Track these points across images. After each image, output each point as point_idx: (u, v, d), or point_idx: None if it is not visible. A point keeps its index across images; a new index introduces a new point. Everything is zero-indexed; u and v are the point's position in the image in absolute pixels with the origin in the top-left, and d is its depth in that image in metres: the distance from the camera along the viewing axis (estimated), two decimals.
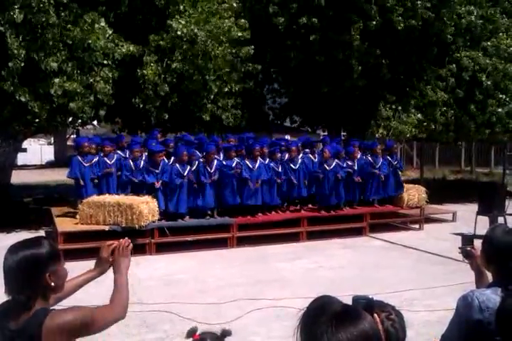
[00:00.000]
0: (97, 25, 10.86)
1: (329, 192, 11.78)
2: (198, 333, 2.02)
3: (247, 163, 11.18)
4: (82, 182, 10.99)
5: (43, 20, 10.05)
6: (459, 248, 3.06)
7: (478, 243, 2.88)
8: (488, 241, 2.65)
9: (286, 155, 11.99)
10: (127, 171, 10.83)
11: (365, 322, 1.30)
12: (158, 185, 10.44)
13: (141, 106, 12.39)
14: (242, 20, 13.13)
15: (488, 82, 15.40)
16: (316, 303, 1.41)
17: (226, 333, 2.06)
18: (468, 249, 3.00)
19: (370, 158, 12.61)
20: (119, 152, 11.41)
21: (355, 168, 12.26)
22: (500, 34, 16.13)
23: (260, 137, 13.13)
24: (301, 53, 14.29)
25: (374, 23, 13.66)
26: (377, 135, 15.12)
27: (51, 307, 2.23)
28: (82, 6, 10.85)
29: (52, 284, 2.21)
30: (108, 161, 11.07)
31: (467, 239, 3.06)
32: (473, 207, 12.01)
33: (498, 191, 12.12)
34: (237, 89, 13.67)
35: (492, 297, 2.44)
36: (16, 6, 9.84)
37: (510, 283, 2.45)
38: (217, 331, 2.06)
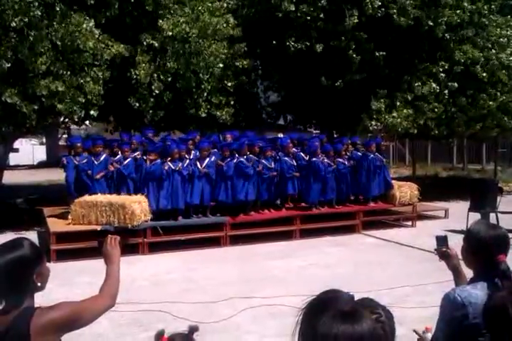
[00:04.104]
0: (85, 26, 10.80)
1: (315, 189, 11.85)
2: (166, 335, 2.03)
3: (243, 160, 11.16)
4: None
5: (27, 22, 9.97)
6: (434, 249, 3.07)
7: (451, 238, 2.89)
8: (474, 237, 2.67)
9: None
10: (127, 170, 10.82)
11: (365, 325, 1.31)
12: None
13: (137, 105, 12.35)
14: (232, 19, 13.10)
15: (484, 74, 15.38)
16: (324, 296, 1.41)
17: (193, 329, 2.07)
18: (444, 249, 3.01)
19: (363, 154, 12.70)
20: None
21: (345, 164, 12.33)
22: (491, 28, 16.17)
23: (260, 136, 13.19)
24: (299, 43, 14.24)
25: (370, 11, 13.66)
26: (371, 128, 15.09)
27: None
28: (71, 7, 10.79)
29: (39, 284, 2.21)
30: (95, 161, 11.00)
31: (441, 240, 3.06)
32: (466, 204, 12.06)
33: (490, 188, 12.15)
34: (229, 85, 13.66)
35: (473, 292, 2.49)
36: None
37: (496, 277, 2.48)
38: (185, 330, 2.07)
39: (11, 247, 2.21)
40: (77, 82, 10.94)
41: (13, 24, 9.84)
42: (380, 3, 13.66)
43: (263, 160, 11.42)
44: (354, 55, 13.88)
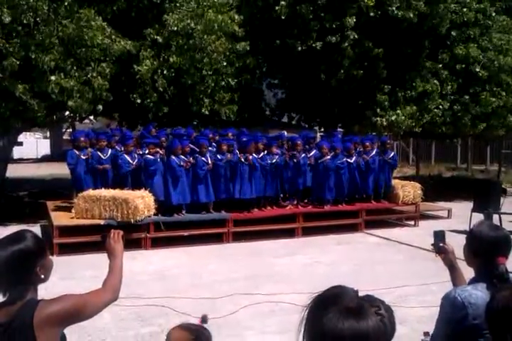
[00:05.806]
0: (93, 23, 10.80)
1: (324, 187, 11.86)
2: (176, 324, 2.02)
3: (241, 157, 11.16)
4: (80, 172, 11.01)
5: (35, 18, 9.98)
6: (431, 244, 3.06)
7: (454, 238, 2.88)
8: (475, 237, 2.66)
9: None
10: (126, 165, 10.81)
11: (370, 321, 1.31)
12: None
13: (139, 101, 12.36)
14: (237, 16, 13.09)
15: (483, 72, 15.31)
16: (329, 292, 1.42)
17: (205, 318, 2.07)
18: (441, 245, 3.01)
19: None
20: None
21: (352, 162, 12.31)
22: (494, 29, 16.14)
23: (255, 132, 13.14)
24: (299, 41, 14.25)
25: (371, 14, 13.69)
26: (379, 123, 15.06)
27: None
28: (78, 2, 10.79)
29: (42, 276, 2.22)
30: (102, 156, 11.03)
31: (438, 235, 3.06)
32: (469, 204, 12.04)
33: (493, 188, 12.14)
34: (233, 83, 13.65)
35: (473, 292, 2.48)
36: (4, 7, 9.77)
37: (496, 278, 2.48)
38: (198, 318, 2.07)
39: (14, 239, 2.22)
40: (84, 77, 10.95)
41: (25, 21, 9.87)
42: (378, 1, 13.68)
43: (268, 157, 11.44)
44: (350, 50, 13.86)
